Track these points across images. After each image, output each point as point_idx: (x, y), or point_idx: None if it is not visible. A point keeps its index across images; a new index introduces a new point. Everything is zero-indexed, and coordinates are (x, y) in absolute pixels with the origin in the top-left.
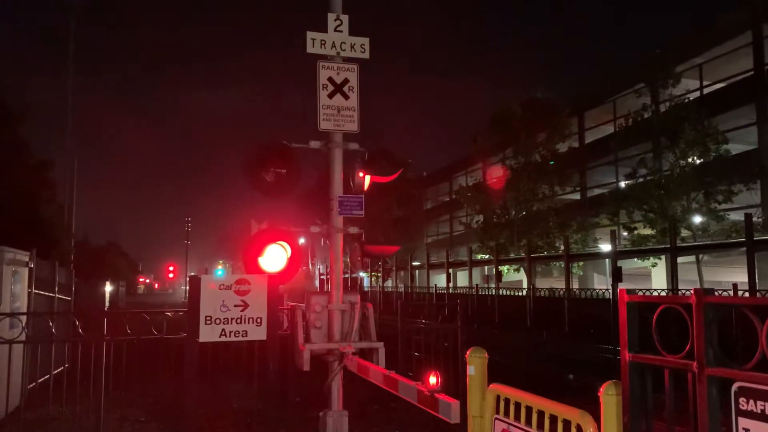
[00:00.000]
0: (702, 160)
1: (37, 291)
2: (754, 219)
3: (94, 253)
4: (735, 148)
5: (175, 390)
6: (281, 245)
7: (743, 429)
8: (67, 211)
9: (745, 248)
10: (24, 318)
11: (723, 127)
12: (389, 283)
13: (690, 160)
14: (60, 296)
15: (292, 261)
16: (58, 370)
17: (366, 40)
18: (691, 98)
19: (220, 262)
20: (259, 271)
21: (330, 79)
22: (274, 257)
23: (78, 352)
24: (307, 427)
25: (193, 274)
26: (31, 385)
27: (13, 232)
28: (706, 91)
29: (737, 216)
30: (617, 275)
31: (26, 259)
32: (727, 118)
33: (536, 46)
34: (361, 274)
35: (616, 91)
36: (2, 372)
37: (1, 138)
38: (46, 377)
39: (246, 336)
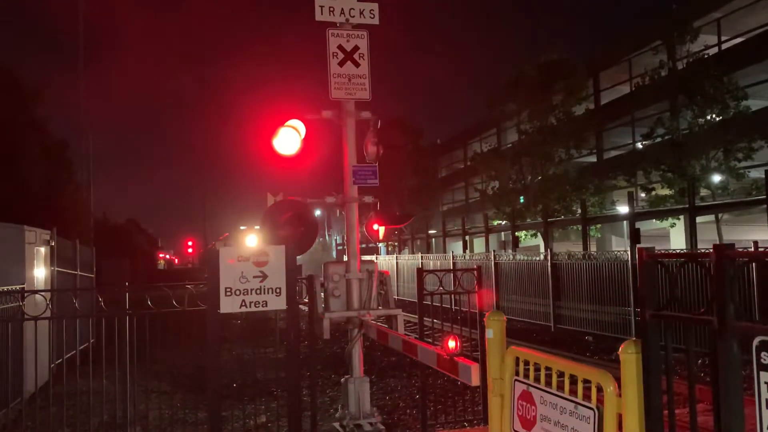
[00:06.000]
0: (721, 117)
1: (59, 269)
2: None
3: (114, 230)
4: (755, 104)
5: (199, 361)
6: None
7: (765, 383)
8: (86, 190)
9: (765, 206)
10: (48, 295)
11: (742, 83)
12: (406, 252)
13: (709, 117)
14: (82, 273)
15: (308, 232)
16: (84, 345)
17: (375, 6)
18: (709, 54)
19: (242, 227)
20: (277, 242)
21: (340, 47)
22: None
23: (102, 328)
24: (329, 393)
25: (215, 243)
26: (59, 361)
27: (34, 212)
28: (724, 46)
29: (758, 173)
30: (635, 237)
31: (47, 237)
32: (746, 73)
33: (551, 5)
34: (378, 243)
35: (632, 49)
36: (30, 348)
37: (17, 120)
38: (72, 353)
39: (266, 306)
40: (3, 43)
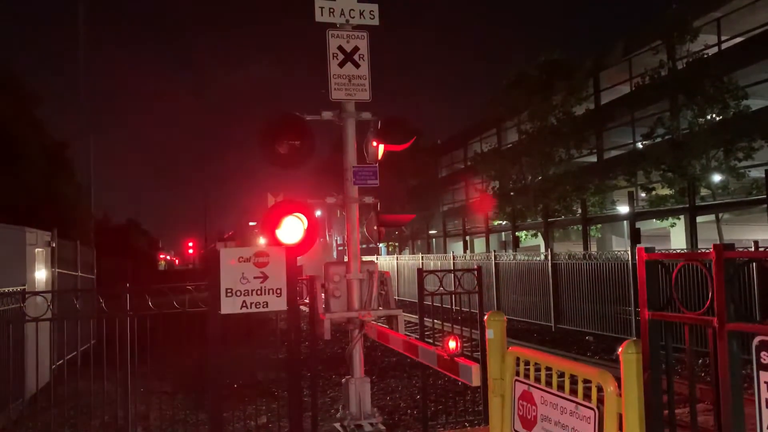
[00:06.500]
0: (721, 116)
1: (60, 270)
2: None
3: (115, 231)
4: (755, 103)
5: (200, 362)
6: (298, 217)
7: (765, 383)
8: (86, 190)
9: (765, 205)
10: (49, 296)
11: (742, 83)
12: (406, 252)
13: (709, 117)
14: (83, 274)
15: (308, 232)
16: (85, 346)
17: (375, 7)
18: (709, 53)
19: (251, 223)
20: (277, 243)
21: (340, 48)
22: (291, 229)
23: (103, 329)
24: (330, 393)
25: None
26: (60, 362)
27: (34, 213)
28: (724, 46)
29: (758, 173)
30: (636, 236)
31: (48, 238)
32: (746, 73)
33: (552, 5)
34: (378, 244)
35: (632, 49)
36: (31, 349)
37: (18, 120)
38: (73, 354)
39: (267, 307)
40: (4, 42)
